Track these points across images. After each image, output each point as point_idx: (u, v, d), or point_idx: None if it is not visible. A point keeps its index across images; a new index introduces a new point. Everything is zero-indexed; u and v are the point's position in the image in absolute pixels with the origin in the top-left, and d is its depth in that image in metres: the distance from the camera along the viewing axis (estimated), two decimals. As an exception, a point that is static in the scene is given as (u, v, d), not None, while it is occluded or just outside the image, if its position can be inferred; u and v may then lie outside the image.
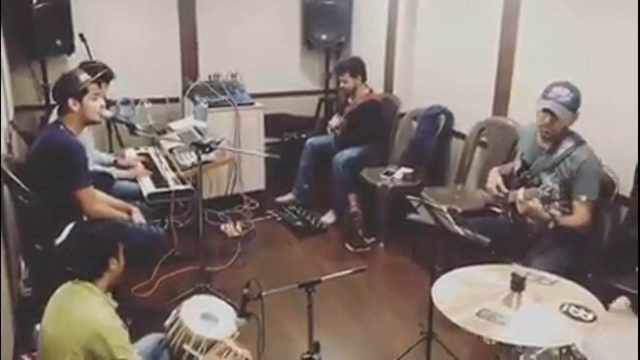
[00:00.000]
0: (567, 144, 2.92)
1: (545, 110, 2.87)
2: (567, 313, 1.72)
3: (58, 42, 4.52)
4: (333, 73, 5.00)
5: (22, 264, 3.49)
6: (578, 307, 1.74)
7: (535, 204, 2.79)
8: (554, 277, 1.94)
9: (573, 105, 2.86)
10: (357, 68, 4.66)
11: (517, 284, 1.78)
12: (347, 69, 4.65)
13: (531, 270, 1.94)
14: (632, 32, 3.04)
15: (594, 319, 1.70)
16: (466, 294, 1.84)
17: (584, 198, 2.84)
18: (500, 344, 1.87)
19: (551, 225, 2.84)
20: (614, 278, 2.63)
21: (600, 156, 3.07)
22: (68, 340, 2.01)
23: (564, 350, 1.98)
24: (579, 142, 2.92)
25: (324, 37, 5.48)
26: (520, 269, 1.84)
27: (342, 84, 4.70)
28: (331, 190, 4.69)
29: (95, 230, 2.35)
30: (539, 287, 1.85)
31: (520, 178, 3.08)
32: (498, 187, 3.15)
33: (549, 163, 2.96)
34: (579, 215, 2.85)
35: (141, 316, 3.20)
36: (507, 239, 2.94)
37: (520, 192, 2.83)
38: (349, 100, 4.77)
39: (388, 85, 5.06)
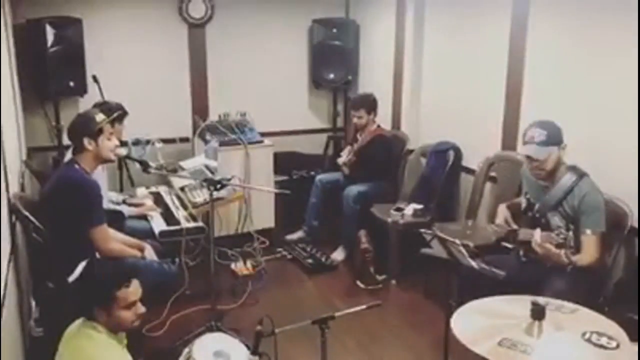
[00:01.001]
0: (569, 179, 2.92)
1: (527, 157, 2.93)
2: (589, 341, 1.71)
3: (71, 83, 4.62)
4: (349, 108, 5.06)
5: (33, 303, 3.47)
6: (600, 334, 1.72)
7: (552, 248, 2.76)
8: (573, 305, 1.92)
9: (551, 141, 2.88)
10: (373, 105, 4.73)
11: (538, 312, 1.76)
12: (364, 105, 4.71)
13: (549, 300, 1.92)
14: (636, 67, 3.08)
15: (618, 346, 1.68)
16: (486, 324, 1.82)
17: (589, 231, 2.82)
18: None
19: (569, 268, 2.81)
20: (631, 310, 2.58)
21: (613, 188, 3.08)
22: None
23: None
24: (580, 175, 2.93)
25: (331, 76, 5.57)
26: (539, 298, 1.82)
27: (355, 119, 4.74)
28: (341, 226, 4.69)
29: (91, 272, 2.32)
30: (560, 316, 1.84)
31: (529, 217, 3.08)
32: (507, 222, 3.15)
33: (552, 201, 2.96)
34: (589, 250, 2.82)
35: (152, 356, 3.18)
36: (518, 275, 2.91)
37: (537, 235, 2.80)
38: (358, 136, 4.82)
39: (395, 122, 5.11)
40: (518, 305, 1.88)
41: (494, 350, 1.68)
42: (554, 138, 2.89)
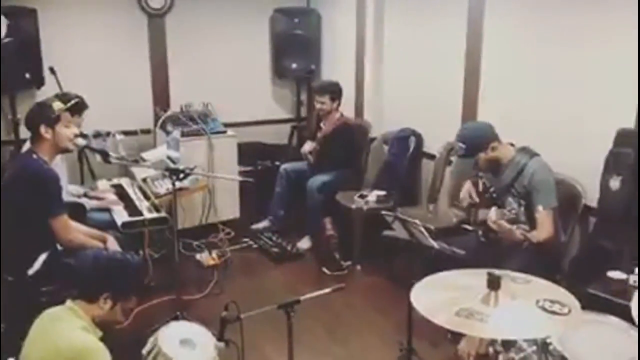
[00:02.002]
0: (520, 160, 3.04)
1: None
2: (542, 308, 1.78)
3: (27, 75, 4.52)
4: (313, 93, 5.06)
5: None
6: (553, 302, 1.80)
7: (506, 225, 2.84)
8: (528, 276, 1.99)
9: (471, 152, 3.04)
10: (337, 93, 4.74)
11: (493, 283, 1.82)
12: (328, 91, 4.72)
13: (505, 272, 1.99)
14: (592, 54, 3.21)
15: (569, 311, 1.75)
16: (444, 296, 1.88)
17: (541, 208, 2.93)
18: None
19: (525, 245, 2.90)
20: (586, 284, 2.68)
21: (567, 170, 3.20)
22: None
23: (542, 355, 2.00)
24: (531, 155, 3.04)
25: (294, 65, 5.57)
26: (495, 271, 1.88)
27: (318, 105, 4.75)
28: (306, 215, 4.71)
29: (119, 260, 2.34)
30: (515, 286, 1.91)
31: (487, 198, 3.17)
32: (470, 196, 3.24)
33: (505, 182, 3.07)
34: (542, 226, 2.92)
35: (117, 346, 3.14)
36: (477, 255, 3.00)
37: (492, 213, 2.90)
38: (321, 124, 4.84)
39: (359, 110, 5.15)
40: (475, 278, 1.94)
41: (452, 320, 1.74)
42: (475, 147, 3.04)
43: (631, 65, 2.97)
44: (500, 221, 2.79)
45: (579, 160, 3.24)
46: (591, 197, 3.16)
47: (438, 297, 1.89)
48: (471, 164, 3.22)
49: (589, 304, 2.32)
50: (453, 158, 4.17)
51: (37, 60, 4.58)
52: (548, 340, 1.91)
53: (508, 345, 2.01)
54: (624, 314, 2.12)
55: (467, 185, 3.29)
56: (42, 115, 2.96)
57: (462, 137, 3.09)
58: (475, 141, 3.03)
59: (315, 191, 4.58)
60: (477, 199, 3.20)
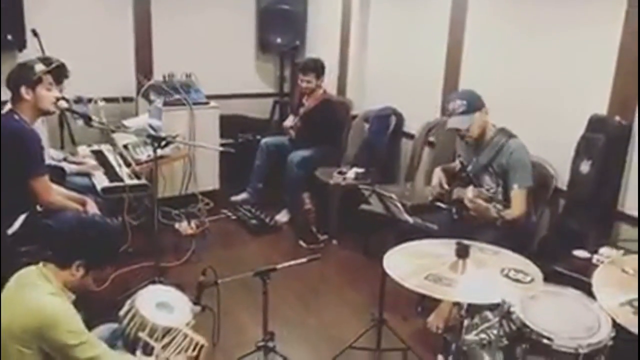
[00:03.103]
0: (498, 140, 3.12)
1: (451, 129, 3.14)
2: (507, 276, 1.87)
3: (9, 37, 4.47)
4: (297, 71, 5.08)
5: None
6: (517, 271, 1.89)
7: (482, 203, 2.92)
8: (496, 248, 2.08)
9: (472, 109, 3.08)
10: (321, 70, 4.77)
11: (462, 251, 1.91)
12: (313, 70, 4.74)
13: (474, 243, 2.07)
14: (569, 42, 3.31)
15: (532, 280, 1.85)
16: (415, 263, 1.95)
17: (516, 186, 3.02)
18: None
19: (498, 222, 2.99)
20: (552, 262, 2.79)
21: (540, 154, 3.29)
22: (18, 327, 1.98)
23: (504, 322, 2.10)
24: (509, 136, 3.12)
25: (278, 40, 5.57)
26: (465, 241, 1.96)
27: (304, 84, 4.77)
28: (285, 189, 4.76)
29: (91, 224, 2.31)
30: (482, 256, 2.00)
31: (462, 177, 3.26)
32: (441, 185, 3.32)
33: (483, 162, 3.15)
34: (516, 205, 3.02)
35: (94, 309, 3.18)
36: (450, 231, 3.07)
37: (469, 191, 2.97)
38: (304, 100, 4.87)
39: (341, 88, 5.19)
40: (445, 248, 2.03)
41: (421, 284, 1.82)
42: (474, 105, 3.08)
43: (606, 55, 3.06)
44: (477, 199, 2.87)
45: (553, 145, 3.34)
46: (562, 180, 3.27)
47: (409, 263, 1.97)
48: (454, 137, 3.27)
49: (553, 280, 2.43)
50: (432, 138, 4.26)
51: (19, 22, 4.52)
52: (511, 309, 2.01)
53: (473, 312, 2.11)
54: (584, 289, 2.23)
55: (438, 173, 3.37)
56: (23, 77, 2.95)
57: (460, 95, 3.15)
58: (475, 98, 3.10)
59: (295, 166, 4.62)
60: (447, 187, 3.28)
